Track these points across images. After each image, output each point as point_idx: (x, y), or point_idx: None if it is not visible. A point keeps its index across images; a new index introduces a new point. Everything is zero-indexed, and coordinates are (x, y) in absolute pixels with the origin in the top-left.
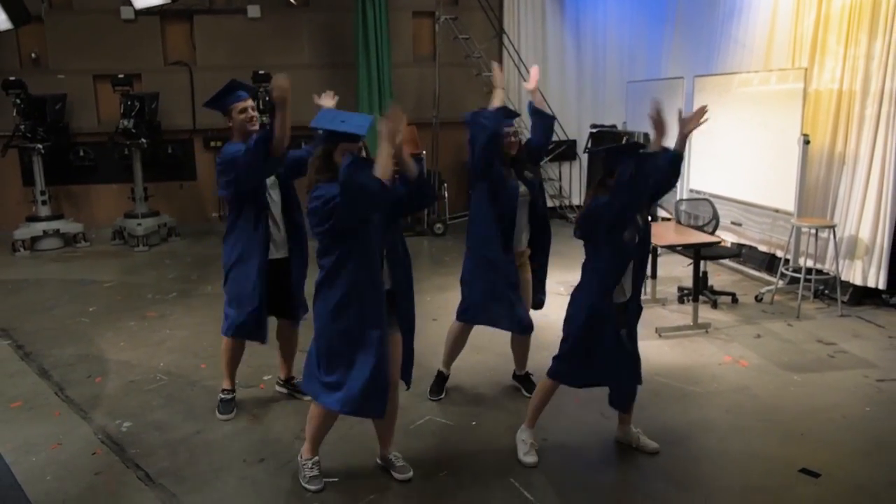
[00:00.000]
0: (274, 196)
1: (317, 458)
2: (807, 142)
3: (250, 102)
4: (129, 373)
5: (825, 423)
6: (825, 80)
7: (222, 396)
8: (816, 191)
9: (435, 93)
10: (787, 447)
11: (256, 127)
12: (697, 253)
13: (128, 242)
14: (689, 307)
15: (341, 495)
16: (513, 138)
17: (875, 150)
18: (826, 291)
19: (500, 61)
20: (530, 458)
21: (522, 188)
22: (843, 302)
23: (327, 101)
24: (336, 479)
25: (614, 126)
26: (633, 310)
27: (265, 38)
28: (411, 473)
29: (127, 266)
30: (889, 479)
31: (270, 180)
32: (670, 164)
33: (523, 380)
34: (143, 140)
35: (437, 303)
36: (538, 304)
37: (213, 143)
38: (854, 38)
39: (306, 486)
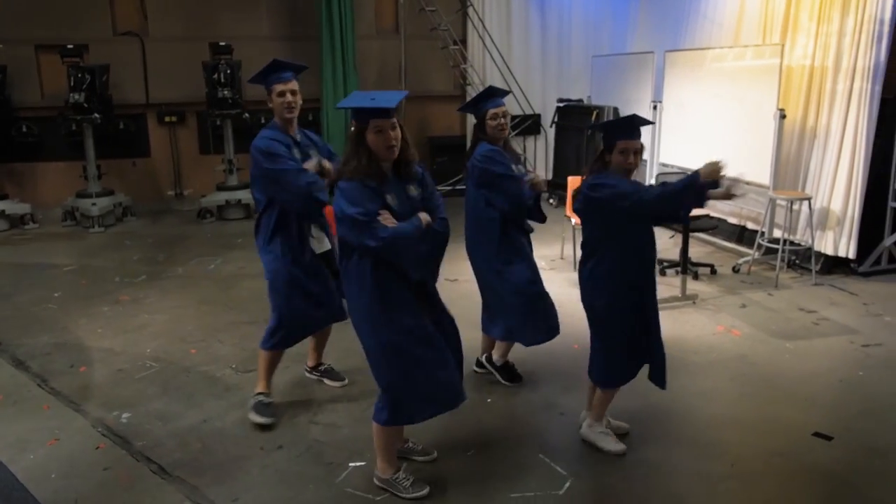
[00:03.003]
0: None
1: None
2: (783, 116)
3: (292, 86)
4: (115, 361)
5: (825, 387)
6: (797, 56)
7: (262, 400)
8: (788, 164)
9: (400, 66)
10: (796, 412)
11: (295, 115)
12: (686, 226)
13: (81, 223)
14: (670, 279)
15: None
16: (502, 120)
17: (847, 125)
18: (797, 261)
19: (465, 34)
20: (617, 446)
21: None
22: (815, 271)
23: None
24: (363, 463)
25: (581, 100)
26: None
27: (222, 8)
28: (434, 454)
29: (84, 248)
30: None
31: None
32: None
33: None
34: (96, 115)
35: None
36: None
37: (167, 119)
38: (826, 15)
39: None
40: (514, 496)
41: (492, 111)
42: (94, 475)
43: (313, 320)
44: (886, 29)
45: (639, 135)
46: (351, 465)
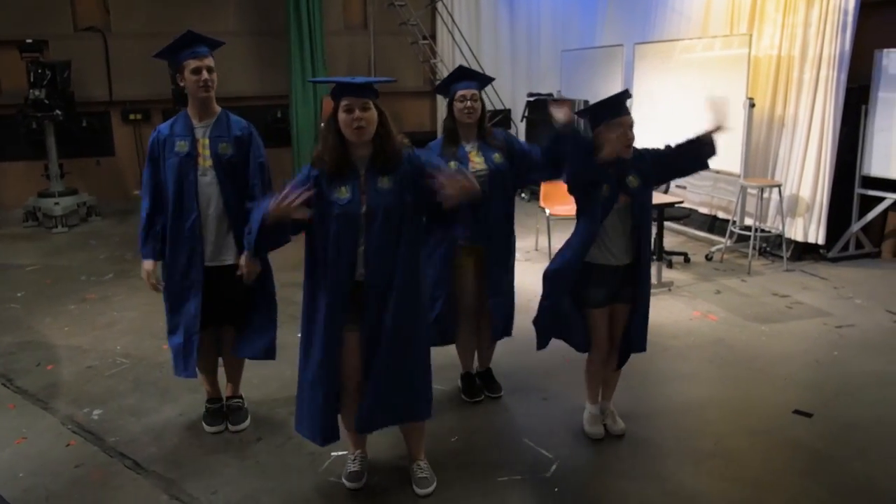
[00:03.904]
0: None
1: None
2: (752, 105)
3: (208, 62)
4: (84, 358)
5: (802, 367)
6: (765, 47)
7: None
8: (758, 153)
9: (370, 62)
10: (776, 391)
11: (212, 94)
12: (661, 214)
13: (43, 224)
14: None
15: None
16: (470, 103)
17: (814, 113)
18: (768, 249)
19: (434, 29)
20: (591, 428)
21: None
22: (786, 258)
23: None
24: (345, 452)
25: (551, 94)
26: (629, 276)
27: (186, 3)
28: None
29: (48, 248)
30: (874, 416)
31: None
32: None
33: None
34: (58, 112)
35: None
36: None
37: (132, 116)
38: (792, 5)
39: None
40: (502, 480)
41: (459, 93)
42: (65, 472)
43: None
44: (850, 19)
45: (628, 111)
46: (333, 454)
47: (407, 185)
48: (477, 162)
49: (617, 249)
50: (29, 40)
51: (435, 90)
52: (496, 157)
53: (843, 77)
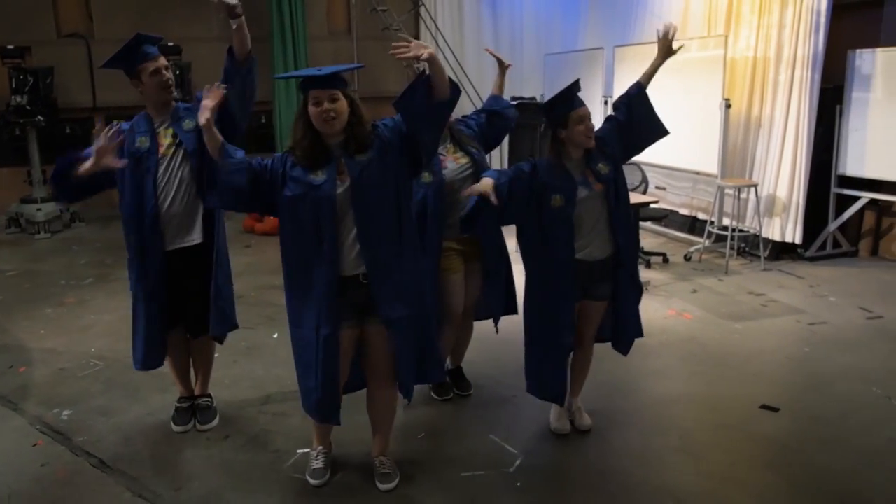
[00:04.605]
0: None
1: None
2: (728, 106)
3: (163, 61)
4: (57, 361)
5: (772, 364)
6: (741, 48)
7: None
8: (735, 153)
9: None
10: (745, 387)
11: (173, 94)
12: (636, 213)
13: (26, 230)
14: None
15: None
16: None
17: (789, 113)
18: (747, 249)
19: (418, 33)
20: (556, 423)
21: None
22: (764, 257)
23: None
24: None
25: (534, 98)
26: (605, 272)
27: (170, 8)
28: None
29: (29, 254)
30: (840, 410)
31: None
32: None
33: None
34: (40, 118)
35: None
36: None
37: (116, 122)
38: (767, 7)
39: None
40: (465, 475)
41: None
42: (29, 471)
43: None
44: (823, 20)
45: (582, 101)
46: (299, 451)
47: (386, 150)
48: (459, 157)
49: (587, 242)
50: (10, 46)
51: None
52: (472, 145)
53: (817, 77)
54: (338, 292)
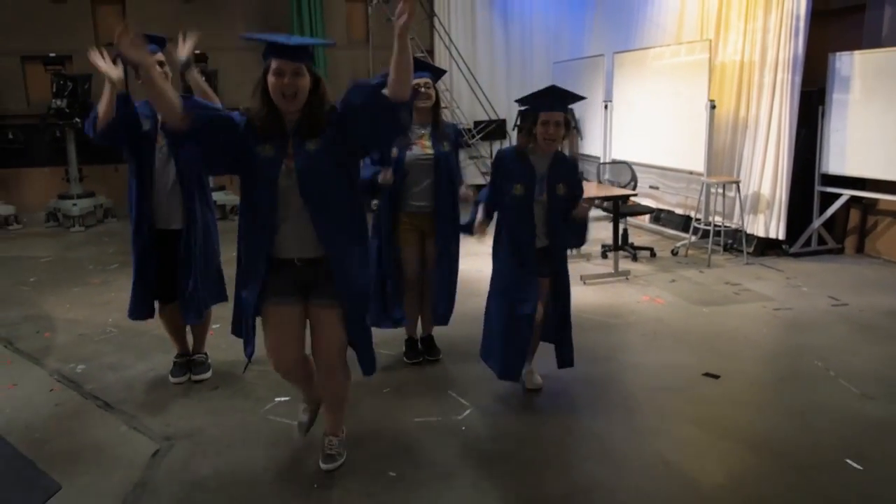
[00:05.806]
0: None
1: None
2: (713, 107)
3: (160, 56)
4: (78, 328)
5: (728, 341)
6: (729, 52)
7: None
8: (723, 153)
9: (369, 74)
10: (694, 358)
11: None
12: (616, 206)
13: (63, 224)
14: (612, 260)
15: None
16: (423, 90)
17: (773, 114)
18: (734, 245)
19: (432, 44)
20: (530, 381)
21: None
22: (748, 252)
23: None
24: (288, 398)
25: None
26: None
27: (199, 20)
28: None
29: (64, 244)
30: (778, 376)
31: None
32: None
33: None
34: (77, 120)
35: None
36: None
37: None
38: (752, 13)
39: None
40: (418, 420)
41: (413, 81)
42: (44, 410)
43: None
44: (802, 24)
45: (561, 108)
46: (277, 399)
47: (336, 137)
48: (426, 146)
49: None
50: (52, 54)
51: None
52: (444, 145)
53: (798, 79)
54: (270, 271)
